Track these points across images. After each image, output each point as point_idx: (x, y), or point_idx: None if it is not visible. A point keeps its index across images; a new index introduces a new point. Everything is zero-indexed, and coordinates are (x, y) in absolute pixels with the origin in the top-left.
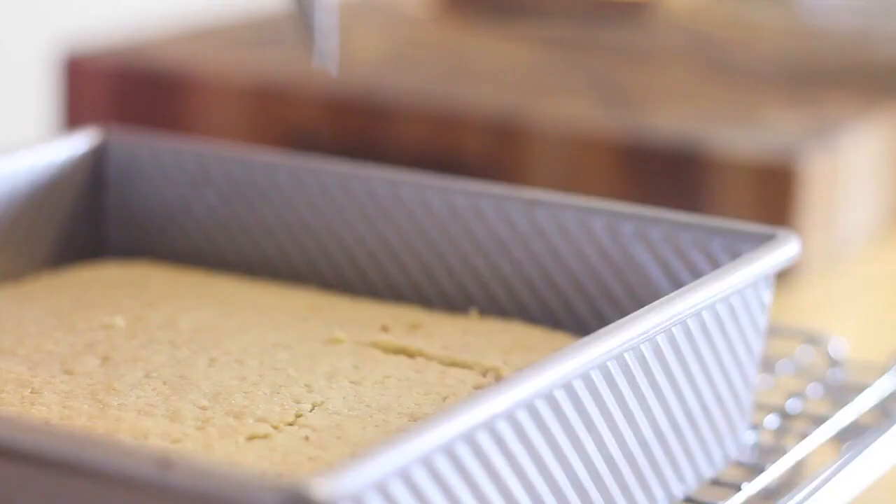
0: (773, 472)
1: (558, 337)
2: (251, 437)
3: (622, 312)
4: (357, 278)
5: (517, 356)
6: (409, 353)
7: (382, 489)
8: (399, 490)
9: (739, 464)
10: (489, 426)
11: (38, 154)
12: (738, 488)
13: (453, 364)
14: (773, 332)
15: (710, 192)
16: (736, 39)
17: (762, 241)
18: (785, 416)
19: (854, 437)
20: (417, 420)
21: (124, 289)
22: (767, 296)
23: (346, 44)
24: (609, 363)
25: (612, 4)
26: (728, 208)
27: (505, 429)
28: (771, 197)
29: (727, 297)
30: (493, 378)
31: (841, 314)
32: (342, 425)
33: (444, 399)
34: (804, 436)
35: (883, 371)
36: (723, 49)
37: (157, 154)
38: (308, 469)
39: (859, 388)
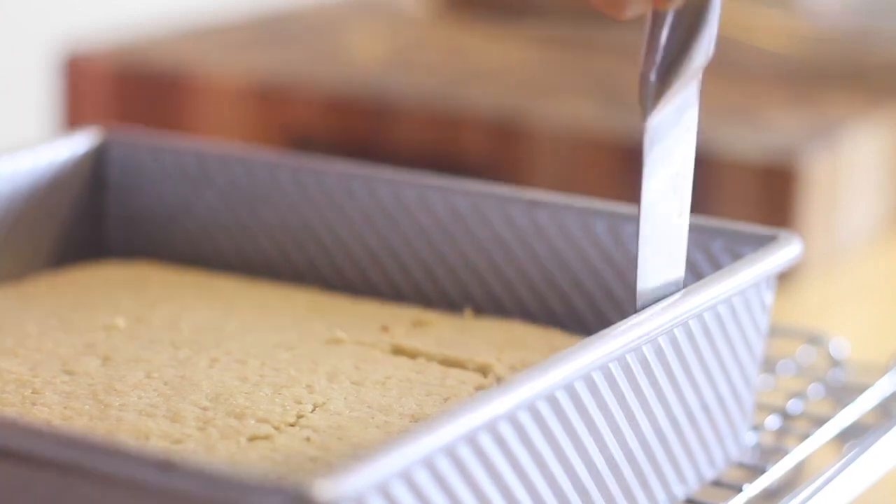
0: (774, 473)
1: (553, 334)
2: (252, 438)
3: (623, 313)
4: (358, 278)
5: (511, 353)
6: (410, 354)
7: (384, 490)
8: (401, 491)
9: (741, 464)
10: (491, 427)
11: (39, 154)
12: (739, 489)
13: (445, 361)
14: (775, 332)
15: (712, 192)
16: (736, 39)
17: (763, 241)
18: (786, 416)
19: (855, 437)
20: (419, 421)
21: (125, 289)
22: (769, 296)
23: (346, 44)
24: (611, 364)
25: None
26: (729, 208)
27: (506, 430)
28: (772, 197)
29: (729, 298)
30: (483, 373)
31: (842, 314)
32: (343, 426)
33: (446, 400)
34: (805, 436)
35: (884, 371)
36: (723, 49)
37: (158, 154)
38: (310, 470)
39: (860, 389)
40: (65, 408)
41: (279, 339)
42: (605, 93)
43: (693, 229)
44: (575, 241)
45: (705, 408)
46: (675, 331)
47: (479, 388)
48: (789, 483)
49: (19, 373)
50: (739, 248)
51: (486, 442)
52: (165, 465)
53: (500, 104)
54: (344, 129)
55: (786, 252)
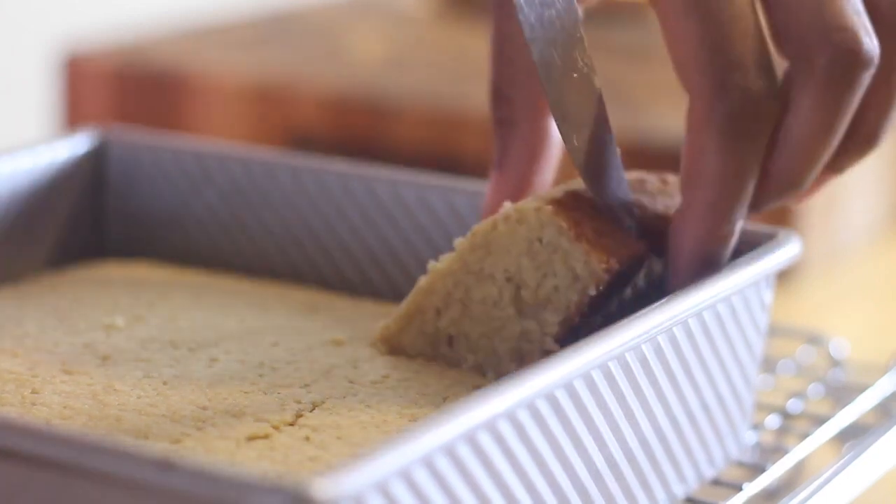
0: (774, 472)
1: None
2: (251, 437)
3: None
4: (357, 278)
5: None
6: (409, 353)
7: (383, 489)
8: (400, 490)
9: (740, 464)
10: (490, 426)
11: (39, 154)
12: (739, 488)
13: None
14: (774, 332)
15: None
16: None
17: (763, 240)
18: (786, 416)
19: (855, 437)
20: (417, 420)
21: (124, 289)
22: (768, 295)
23: (346, 44)
24: (610, 363)
25: (612, 4)
26: None
27: (506, 429)
28: None
29: (728, 297)
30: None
31: (842, 314)
32: (342, 425)
33: (444, 399)
34: (805, 436)
35: (884, 371)
36: None
37: (158, 154)
38: (309, 469)
39: (860, 389)
40: (64, 407)
41: (278, 339)
42: (606, 93)
43: None
44: None
45: (705, 406)
46: (675, 329)
47: (477, 386)
48: (789, 482)
49: (18, 372)
50: (738, 247)
51: (486, 441)
52: (165, 465)
53: None
54: (344, 128)
55: (785, 251)
